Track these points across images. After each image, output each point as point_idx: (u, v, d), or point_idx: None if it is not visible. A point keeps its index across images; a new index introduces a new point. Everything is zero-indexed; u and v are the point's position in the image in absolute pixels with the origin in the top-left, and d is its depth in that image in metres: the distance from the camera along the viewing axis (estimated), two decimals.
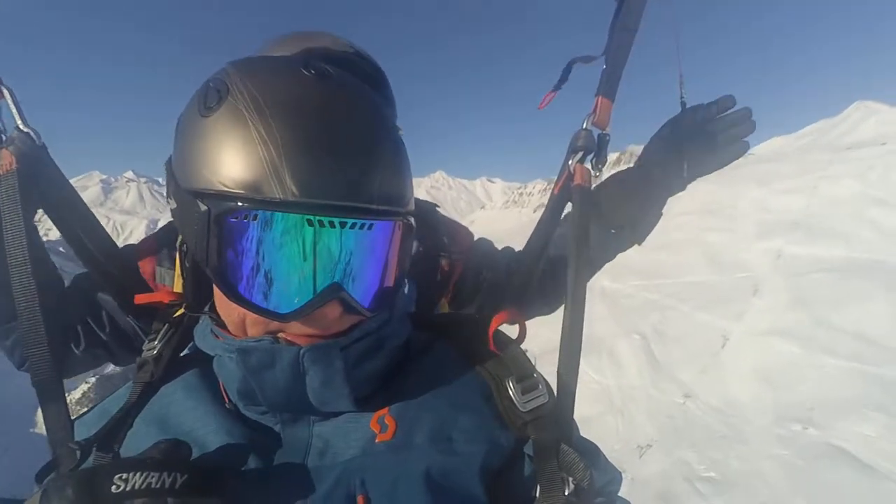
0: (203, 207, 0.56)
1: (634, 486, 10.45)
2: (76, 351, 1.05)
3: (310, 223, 0.56)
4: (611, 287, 22.21)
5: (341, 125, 0.58)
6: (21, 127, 0.82)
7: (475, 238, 1.28)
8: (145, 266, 1.02)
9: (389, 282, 0.67)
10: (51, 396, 0.71)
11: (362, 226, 0.58)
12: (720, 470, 10.32)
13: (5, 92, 0.82)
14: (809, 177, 25.93)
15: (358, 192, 0.57)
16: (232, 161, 0.55)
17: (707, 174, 1.11)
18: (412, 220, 0.67)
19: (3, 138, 0.82)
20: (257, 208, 0.55)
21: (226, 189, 0.55)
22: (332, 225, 0.56)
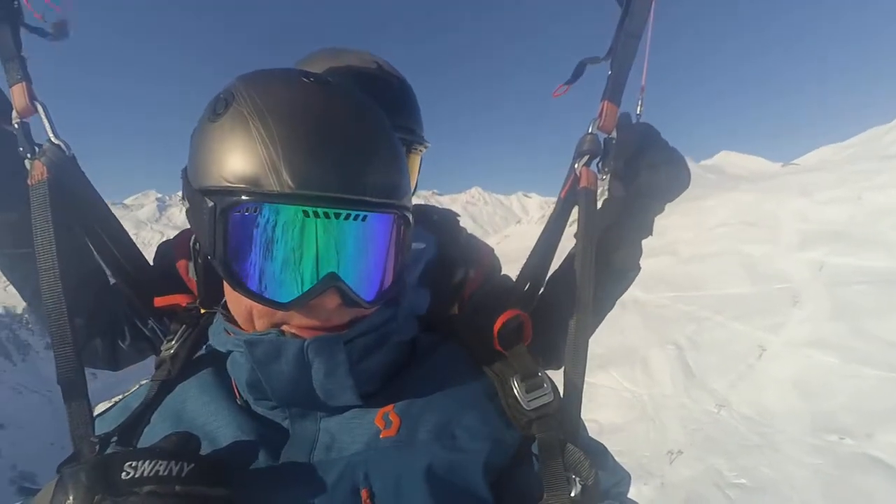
0: (210, 203, 0.60)
1: (664, 491, 10.58)
2: (122, 345, 1.07)
3: (306, 214, 0.58)
4: (644, 298, 22.04)
5: (336, 123, 0.61)
6: (53, 139, 0.85)
7: (500, 271, 1.25)
8: (180, 257, 1.04)
9: (388, 274, 0.68)
10: (74, 394, 0.72)
11: (356, 217, 0.60)
12: (751, 477, 10.33)
13: (39, 107, 0.85)
14: (854, 186, 25.06)
15: (352, 185, 0.59)
16: (235, 159, 0.58)
17: (667, 175, 1.05)
18: (409, 215, 0.68)
19: (37, 150, 0.84)
20: (257, 201, 0.58)
21: (229, 185, 0.59)
22: (327, 216, 0.58)
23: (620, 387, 16.09)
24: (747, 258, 23.46)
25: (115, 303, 1.05)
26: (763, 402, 13.06)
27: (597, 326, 1.12)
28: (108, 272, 1.01)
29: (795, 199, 27.15)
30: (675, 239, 28.21)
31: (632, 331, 19.86)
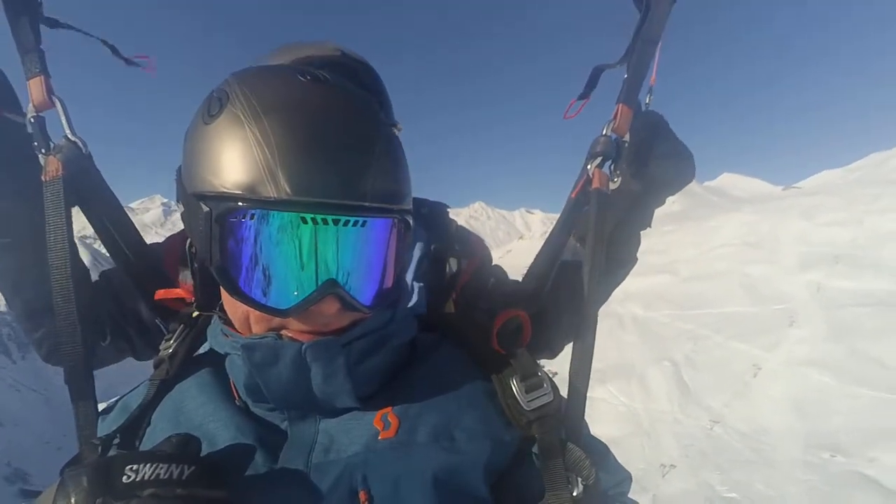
0: (205, 209, 0.58)
1: None
2: (102, 345, 1.06)
3: (304, 221, 0.57)
4: (643, 315, 22.07)
5: (334, 126, 0.59)
6: (69, 136, 0.83)
7: (491, 261, 1.25)
8: (171, 264, 1.02)
9: (387, 279, 0.67)
10: (81, 394, 0.72)
11: (356, 223, 0.59)
12: (743, 492, 10.32)
13: (57, 103, 0.83)
14: (855, 210, 25.22)
15: (350, 190, 0.58)
16: (231, 164, 0.57)
17: (671, 167, 1.05)
18: (409, 218, 0.67)
19: (52, 146, 0.83)
20: (254, 208, 0.56)
21: (225, 191, 0.57)
22: (325, 222, 0.57)
23: (617, 401, 16.21)
24: (747, 278, 23.53)
25: (97, 301, 1.03)
26: (758, 420, 13.07)
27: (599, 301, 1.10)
28: (98, 270, 1.01)
29: (796, 222, 27.26)
30: (677, 258, 28.17)
31: (630, 347, 19.91)
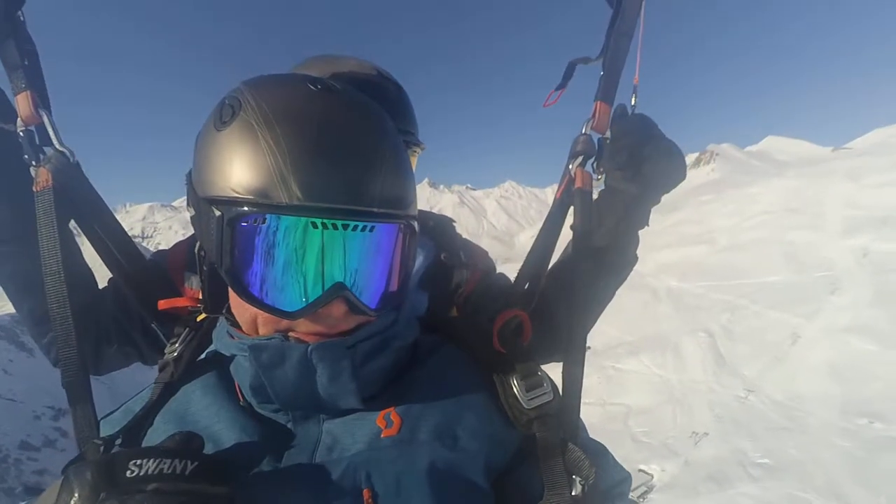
0: (217, 213, 0.60)
1: (687, 468, 10.85)
2: (108, 350, 1.08)
3: (314, 226, 0.59)
4: (678, 287, 21.75)
5: (343, 133, 0.62)
6: (57, 147, 0.86)
7: (495, 271, 1.29)
8: (175, 269, 1.04)
9: (393, 282, 0.70)
10: (79, 397, 0.73)
11: (364, 228, 0.62)
12: (776, 457, 10.41)
13: (44, 115, 0.86)
14: None
15: (359, 196, 0.60)
16: (243, 169, 0.59)
17: (665, 163, 1.06)
18: (415, 223, 0.70)
19: (41, 157, 0.85)
20: (265, 212, 0.59)
21: (237, 195, 0.59)
22: (334, 227, 0.60)
23: (650, 372, 16.18)
24: (789, 246, 22.80)
25: (102, 306, 1.06)
26: (793, 388, 13.00)
27: (597, 318, 1.16)
28: (97, 276, 1.04)
29: (842, 184, 26.02)
30: (714, 227, 27.36)
31: (664, 319, 19.89)
